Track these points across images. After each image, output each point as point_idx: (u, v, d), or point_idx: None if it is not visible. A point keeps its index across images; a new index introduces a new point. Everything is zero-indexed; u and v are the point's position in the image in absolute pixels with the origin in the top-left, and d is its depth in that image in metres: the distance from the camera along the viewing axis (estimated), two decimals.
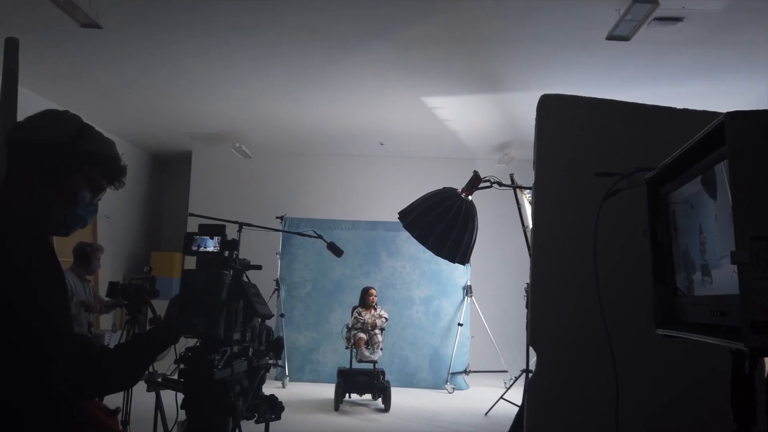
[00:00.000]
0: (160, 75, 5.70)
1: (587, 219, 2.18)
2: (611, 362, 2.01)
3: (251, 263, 1.64)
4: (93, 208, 1.26)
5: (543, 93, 2.43)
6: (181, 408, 1.52)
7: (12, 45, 1.87)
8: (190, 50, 5.02)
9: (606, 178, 1.45)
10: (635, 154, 2.11)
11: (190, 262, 1.66)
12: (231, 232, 2.06)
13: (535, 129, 2.38)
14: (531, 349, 5.61)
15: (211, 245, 1.52)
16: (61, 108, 1.32)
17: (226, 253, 1.55)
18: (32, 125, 1.23)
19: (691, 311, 1.18)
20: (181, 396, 1.59)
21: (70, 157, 1.20)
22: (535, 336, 2.26)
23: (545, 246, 2.27)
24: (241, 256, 1.68)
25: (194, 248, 1.54)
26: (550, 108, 2.37)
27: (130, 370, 1.26)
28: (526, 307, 5.40)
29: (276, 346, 2.16)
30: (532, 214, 2.31)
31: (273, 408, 2.05)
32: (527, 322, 5.32)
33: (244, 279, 1.59)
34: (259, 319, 1.74)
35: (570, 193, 2.24)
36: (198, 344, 1.49)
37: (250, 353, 1.68)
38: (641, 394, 1.88)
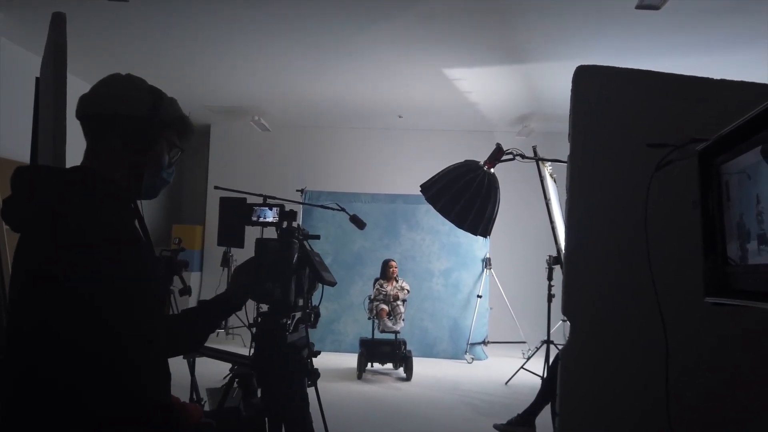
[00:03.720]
0: (181, 49, 5.70)
1: (625, 191, 2.20)
2: (648, 330, 2.05)
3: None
4: (172, 169, 1.30)
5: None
6: (252, 369, 1.58)
7: (59, 19, 1.89)
8: (210, 24, 5.01)
9: (654, 150, 1.46)
10: (673, 125, 2.11)
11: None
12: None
13: (571, 101, 2.37)
14: (551, 320, 5.66)
15: (270, 216, 1.56)
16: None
17: (285, 224, 1.59)
18: (110, 96, 1.24)
19: (744, 279, 1.21)
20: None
21: (154, 127, 1.22)
22: (569, 305, 2.29)
23: (580, 217, 2.29)
24: None
25: (254, 218, 1.58)
26: (586, 79, 2.36)
27: (196, 334, 1.31)
28: (548, 279, 5.49)
29: (315, 315, 2.22)
30: (567, 186, 2.31)
31: (310, 375, 2.12)
32: (548, 294, 5.42)
33: (308, 247, 1.64)
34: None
35: (607, 165, 2.25)
36: (267, 310, 1.54)
37: (312, 319, 1.74)
38: (681, 358, 1.91)
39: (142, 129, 1.21)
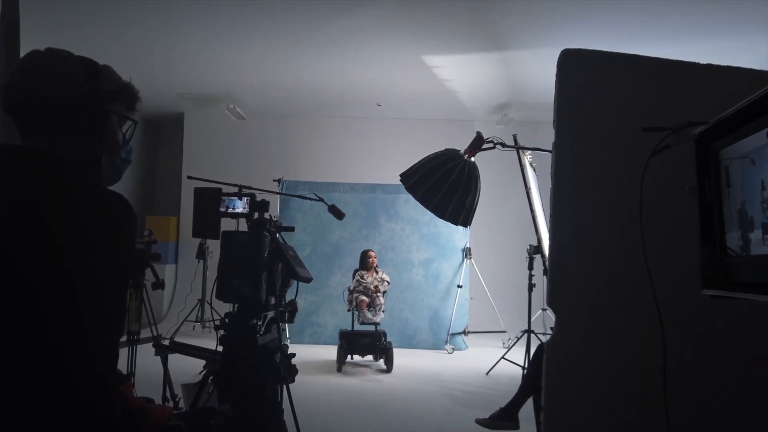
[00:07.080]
0: (152, 34, 5.49)
1: (615, 178, 2.14)
2: (636, 322, 2.00)
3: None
4: (130, 147, 1.19)
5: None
6: (220, 377, 1.48)
7: None
8: (182, 8, 4.83)
9: (647, 135, 1.38)
10: (668, 111, 2.05)
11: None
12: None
13: (556, 86, 2.30)
14: (531, 309, 5.63)
15: (240, 206, 1.45)
16: None
17: (256, 215, 1.48)
18: (44, 80, 1.10)
19: (746, 271, 1.14)
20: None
21: (98, 103, 1.11)
22: (555, 298, 2.23)
23: (566, 206, 2.22)
24: None
25: (222, 209, 1.47)
26: (572, 63, 2.29)
27: None
28: (529, 268, 5.46)
29: (291, 310, 2.12)
30: (552, 174, 2.24)
31: (289, 371, 2.03)
32: (529, 283, 5.39)
33: (280, 240, 1.53)
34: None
35: (595, 152, 2.18)
36: (236, 309, 1.43)
37: (286, 317, 1.63)
38: (674, 350, 1.86)
39: (86, 110, 1.09)
